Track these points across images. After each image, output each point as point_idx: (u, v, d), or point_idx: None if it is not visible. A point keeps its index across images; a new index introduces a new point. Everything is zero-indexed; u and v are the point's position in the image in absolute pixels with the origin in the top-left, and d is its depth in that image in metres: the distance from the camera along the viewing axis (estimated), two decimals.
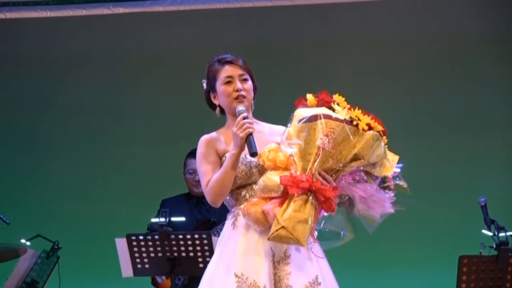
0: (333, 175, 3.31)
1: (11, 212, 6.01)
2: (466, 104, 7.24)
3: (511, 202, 6.87)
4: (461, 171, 7.14)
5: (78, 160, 7.37)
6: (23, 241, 5.57)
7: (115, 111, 7.39)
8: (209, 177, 3.48)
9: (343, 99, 3.43)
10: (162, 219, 4.94)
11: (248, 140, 3.36)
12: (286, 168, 3.36)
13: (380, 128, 3.36)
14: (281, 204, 3.32)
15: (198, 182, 5.79)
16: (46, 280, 5.55)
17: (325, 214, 3.38)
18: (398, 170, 3.45)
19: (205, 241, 4.85)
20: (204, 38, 7.22)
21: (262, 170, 3.45)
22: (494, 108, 7.25)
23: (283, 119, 3.54)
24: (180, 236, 4.88)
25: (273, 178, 3.35)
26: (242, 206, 3.46)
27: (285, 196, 3.33)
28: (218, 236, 5.40)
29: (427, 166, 7.04)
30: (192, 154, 5.91)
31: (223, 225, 5.63)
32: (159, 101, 7.36)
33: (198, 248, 4.86)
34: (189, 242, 4.86)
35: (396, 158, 3.46)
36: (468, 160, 7.17)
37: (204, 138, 3.58)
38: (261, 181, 3.39)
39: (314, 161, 3.28)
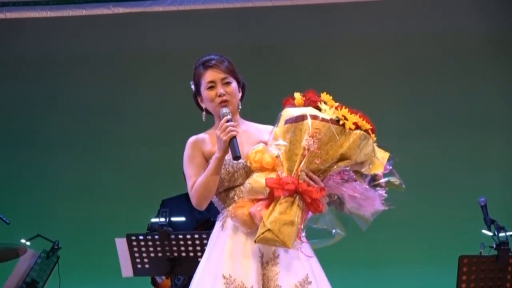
0: (321, 176, 3.28)
1: (11, 212, 6.01)
2: (466, 104, 7.24)
3: (511, 202, 6.87)
4: (461, 171, 7.14)
5: (78, 160, 7.38)
6: (23, 241, 5.57)
7: (115, 111, 7.39)
8: (194, 180, 3.47)
9: (331, 97, 3.39)
10: (162, 219, 4.94)
11: (231, 144, 3.34)
12: (273, 170, 3.34)
13: (368, 126, 3.31)
14: (267, 206, 3.30)
15: None
16: (46, 280, 5.55)
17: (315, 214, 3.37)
18: (389, 167, 3.43)
19: (205, 241, 4.84)
20: (204, 38, 7.22)
21: (249, 172, 3.44)
22: (494, 108, 7.25)
23: None
24: (180, 236, 4.88)
25: (259, 180, 3.33)
26: (230, 208, 3.46)
27: (271, 198, 3.30)
28: None
29: (427, 166, 7.04)
30: None
31: None
32: (159, 101, 7.36)
33: (198, 248, 4.85)
34: (189, 242, 4.85)
35: (386, 155, 3.41)
36: (468, 160, 7.17)
37: (191, 140, 3.57)
38: (248, 183, 3.37)
39: (300, 162, 3.26)
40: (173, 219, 5.33)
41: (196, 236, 4.88)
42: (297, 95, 3.42)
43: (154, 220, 5.05)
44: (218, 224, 3.52)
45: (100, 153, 7.36)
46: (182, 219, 5.64)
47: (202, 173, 3.45)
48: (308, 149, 3.25)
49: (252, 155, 3.40)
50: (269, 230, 3.24)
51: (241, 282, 3.36)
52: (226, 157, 3.41)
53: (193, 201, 3.48)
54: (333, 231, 3.38)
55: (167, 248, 4.89)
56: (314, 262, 3.49)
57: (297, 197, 3.27)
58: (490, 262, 4.78)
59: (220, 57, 3.58)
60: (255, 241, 3.30)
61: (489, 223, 4.89)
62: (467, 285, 4.78)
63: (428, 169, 7.04)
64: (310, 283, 3.40)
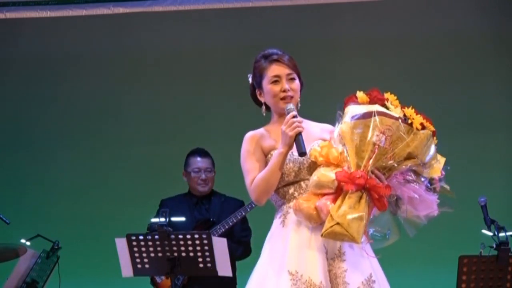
0: (386, 174, 3.28)
1: (11, 212, 6.01)
2: (467, 104, 7.23)
3: (511, 202, 6.86)
4: (461, 171, 7.11)
5: (78, 160, 7.37)
6: (23, 241, 5.57)
7: (115, 111, 7.39)
8: (254, 175, 3.43)
9: (395, 97, 3.41)
10: (162, 219, 4.93)
11: (297, 139, 3.33)
12: (338, 165, 3.32)
13: (432, 128, 3.36)
14: (334, 200, 3.28)
15: (204, 181, 5.81)
16: (46, 280, 5.55)
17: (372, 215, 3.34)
18: (444, 172, 3.41)
19: (205, 241, 4.84)
20: (204, 38, 7.22)
21: (310, 167, 3.42)
22: (494, 108, 7.25)
23: None
24: (180, 236, 4.86)
25: (327, 174, 3.31)
26: (291, 204, 3.42)
27: (338, 193, 3.28)
28: (218, 236, 5.42)
29: None
30: (194, 153, 5.90)
31: (222, 225, 5.68)
32: (159, 101, 7.36)
33: (198, 248, 4.84)
34: (189, 242, 4.84)
35: (443, 160, 3.44)
36: (469, 160, 7.16)
37: (249, 134, 3.53)
38: (315, 176, 3.34)
39: (370, 158, 3.25)
40: (173, 219, 5.32)
41: (196, 236, 4.87)
42: (360, 94, 3.42)
43: (154, 220, 5.05)
44: (277, 221, 3.47)
45: (100, 153, 7.36)
46: (182, 219, 5.64)
47: (262, 169, 3.42)
48: (378, 146, 3.23)
49: (317, 150, 3.37)
50: (338, 224, 3.21)
51: (309, 277, 3.31)
52: None
53: (253, 196, 3.43)
54: (388, 232, 3.36)
55: (167, 248, 4.88)
56: (375, 262, 3.49)
57: (365, 193, 3.25)
58: (490, 262, 4.77)
59: (283, 52, 3.56)
60: (322, 235, 3.26)
61: (489, 223, 4.89)
62: (467, 285, 4.77)
63: None
64: (374, 281, 3.40)
